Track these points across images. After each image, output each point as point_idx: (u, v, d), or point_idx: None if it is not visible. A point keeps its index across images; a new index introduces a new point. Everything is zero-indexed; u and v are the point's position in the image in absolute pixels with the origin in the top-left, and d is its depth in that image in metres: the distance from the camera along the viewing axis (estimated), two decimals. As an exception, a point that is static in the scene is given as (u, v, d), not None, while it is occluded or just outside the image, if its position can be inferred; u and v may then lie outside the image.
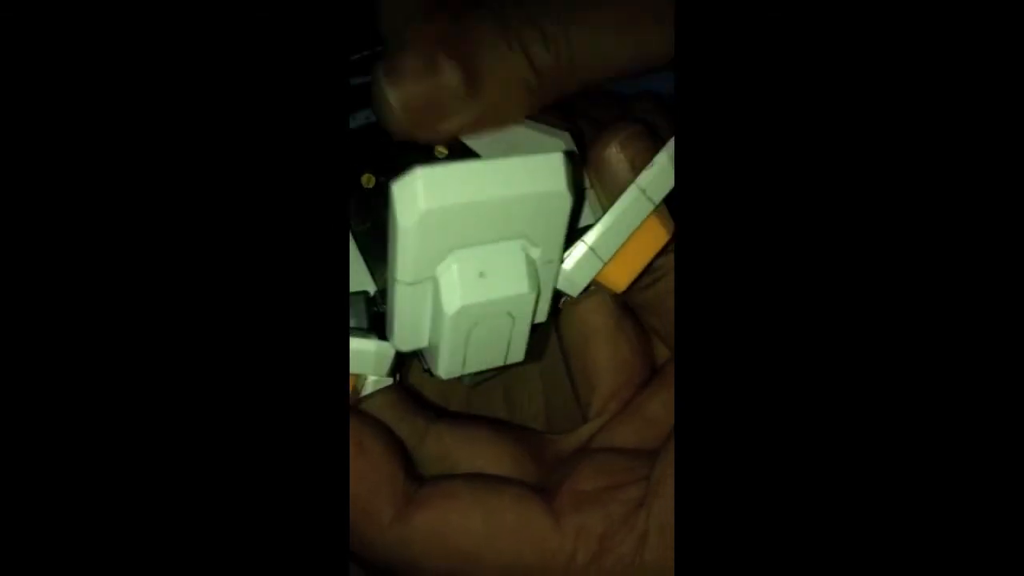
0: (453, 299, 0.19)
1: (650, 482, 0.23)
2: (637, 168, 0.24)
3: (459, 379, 0.24)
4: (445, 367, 0.21)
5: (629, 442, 0.26)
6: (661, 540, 0.22)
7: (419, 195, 0.17)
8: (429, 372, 0.23)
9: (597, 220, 0.23)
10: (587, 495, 0.23)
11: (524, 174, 0.19)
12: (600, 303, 0.28)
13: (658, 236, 0.22)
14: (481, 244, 0.19)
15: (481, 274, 0.20)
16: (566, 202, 0.19)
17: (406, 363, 0.25)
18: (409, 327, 0.21)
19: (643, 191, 0.21)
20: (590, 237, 0.22)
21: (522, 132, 0.25)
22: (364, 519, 0.23)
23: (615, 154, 0.24)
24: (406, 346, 0.21)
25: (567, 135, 0.25)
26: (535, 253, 0.20)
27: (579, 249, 0.22)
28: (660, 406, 0.27)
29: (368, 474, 0.23)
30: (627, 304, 0.28)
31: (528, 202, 0.19)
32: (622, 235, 0.22)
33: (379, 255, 0.24)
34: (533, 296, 0.20)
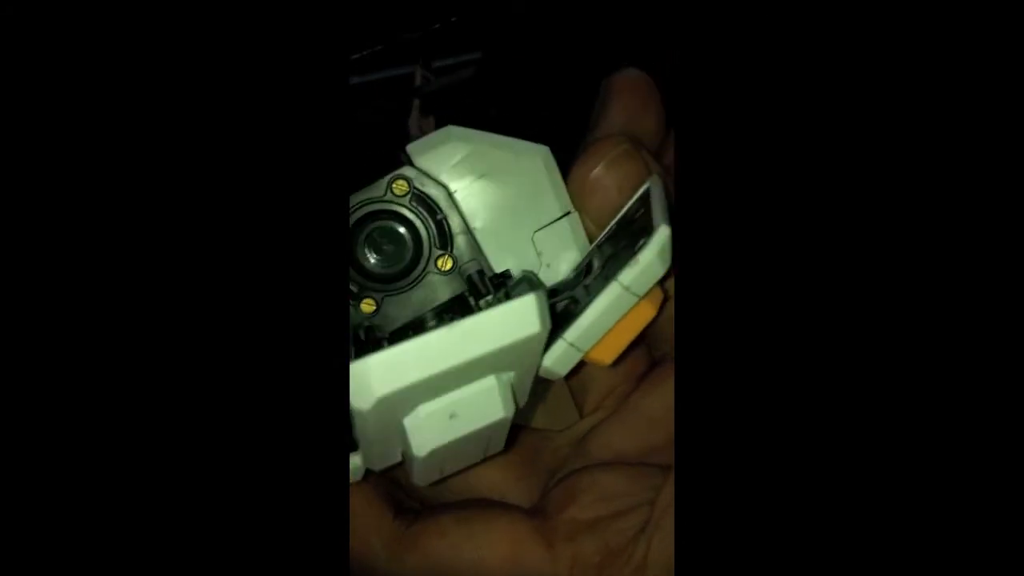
0: (424, 444, 0.18)
1: (653, 510, 0.22)
2: (625, 193, 0.22)
3: None
4: (420, 479, 0.20)
5: (630, 447, 0.25)
6: (660, 574, 0.22)
7: (371, 383, 0.16)
8: None
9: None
10: (584, 524, 0.23)
11: (497, 327, 0.16)
12: None
13: (644, 314, 0.20)
14: (450, 392, 0.18)
15: (452, 415, 0.18)
16: (543, 339, 0.17)
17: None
18: (379, 454, 0.19)
19: (627, 288, 0.19)
20: (570, 334, 0.19)
21: (496, 158, 0.22)
22: (360, 554, 0.23)
23: (602, 177, 0.22)
24: (378, 466, 0.20)
25: (545, 150, 0.22)
26: (509, 376, 0.18)
27: (559, 347, 0.20)
28: (659, 404, 0.25)
29: (362, 511, 0.23)
30: None
31: (502, 351, 0.17)
32: (604, 328, 0.20)
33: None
34: (511, 415, 0.19)
